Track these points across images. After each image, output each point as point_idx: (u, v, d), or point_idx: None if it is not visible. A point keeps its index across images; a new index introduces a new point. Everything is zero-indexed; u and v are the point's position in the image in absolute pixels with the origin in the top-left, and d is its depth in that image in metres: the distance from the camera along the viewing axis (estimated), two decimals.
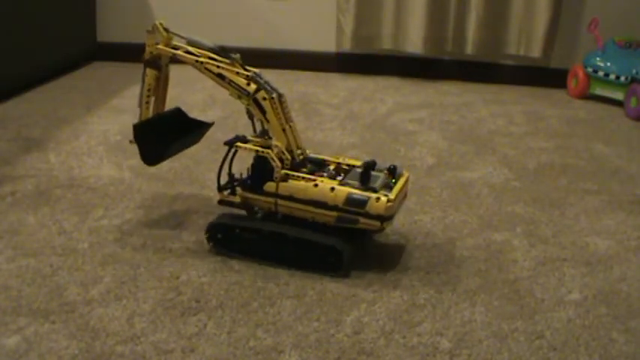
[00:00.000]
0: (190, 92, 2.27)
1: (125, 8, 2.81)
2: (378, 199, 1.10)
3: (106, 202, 1.39)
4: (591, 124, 2.21)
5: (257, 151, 1.16)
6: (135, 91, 2.35)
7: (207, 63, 1.17)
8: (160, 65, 1.24)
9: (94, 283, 1.08)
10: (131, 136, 1.24)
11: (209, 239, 1.20)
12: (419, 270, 1.17)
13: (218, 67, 1.17)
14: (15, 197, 1.40)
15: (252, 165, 1.18)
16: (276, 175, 1.14)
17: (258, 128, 1.20)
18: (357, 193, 1.11)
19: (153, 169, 1.56)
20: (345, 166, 1.21)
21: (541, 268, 1.20)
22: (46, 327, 0.96)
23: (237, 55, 1.19)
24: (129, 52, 2.82)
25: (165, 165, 1.62)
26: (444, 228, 1.34)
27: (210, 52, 1.19)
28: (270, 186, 1.15)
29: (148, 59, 1.23)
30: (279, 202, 1.15)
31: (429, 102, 2.38)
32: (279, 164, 1.14)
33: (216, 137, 1.84)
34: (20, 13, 2.16)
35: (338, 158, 1.23)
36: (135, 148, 1.24)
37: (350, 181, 1.13)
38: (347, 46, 2.73)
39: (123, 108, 2.09)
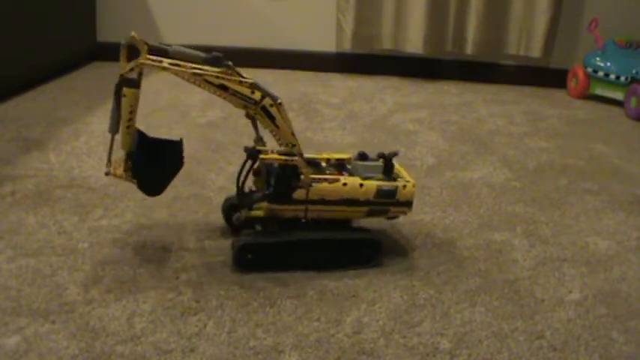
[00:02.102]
0: (188, 93, 2.26)
1: (125, 8, 2.81)
2: (404, 186, 1.16)
3: (106, 202, 1.39)
4: (591, 124, 2.21)
5: (286, 160, 1.12)
6: None
7: (206, 74, 1.07)
8: (139, 82, 1.09)
9: (94, 283, 1.08)
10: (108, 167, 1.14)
11: (239, 262, 1.13)
12: (419, 270, 1.17)
13: (217, 77, 1.07)
14: (15, 197, 1.40)
15: (277, 175, 1.12)
16: (306, 181, 1.12)
17: (261, 133, 1.17)
18: (385, 184, 1.15)
19: None
20: (335, 161, 1.22)
21: (541, 268, 1.20)
22: (46, 327, 0.96)
23: (229, 62, 1.10)
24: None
25: None
26: (444, 228, 1.34)
27: (201, 62, 1.08)
28: (300, 193, 1.12)
29: (128, 78, 1.08)
30: (310, 207, 1.14)
31: (429, 102, 2.38)
32: (309, 170, 1.13)
33: (217, 138, 1.84)
34: (20, 13, 2.16)
35: (322, 154, 1.23)
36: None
37: (372, 174, 1.17)
38: (347, 46, 2.73)
39: None
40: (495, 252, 1.25)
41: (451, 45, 2.70)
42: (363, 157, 1.23)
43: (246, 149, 1.14)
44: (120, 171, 1.12)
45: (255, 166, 1.16)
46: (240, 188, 1.14)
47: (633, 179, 1.69)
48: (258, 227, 1.15)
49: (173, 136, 1.72)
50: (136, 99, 1.09)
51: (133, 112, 1.09)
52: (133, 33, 1.06)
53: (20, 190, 1.43)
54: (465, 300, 1.08)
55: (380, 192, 1.15)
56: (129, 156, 1.11)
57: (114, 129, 1.11)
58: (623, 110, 2.35)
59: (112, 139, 1.12)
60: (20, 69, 2.21)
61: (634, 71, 2.31)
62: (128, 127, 1.10)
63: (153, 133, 1.86)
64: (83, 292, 1.05)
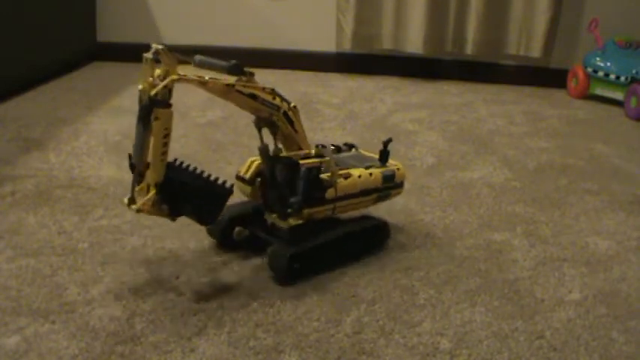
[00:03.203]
0: (188, 93, 2.26)
1: (125, 8, 2.81)
2: (398, 169, 1.25)
3: (106, 202, 1.39)
4: (591, 124, 2.21)
5: (320, 162, 1.12)
6: (134, 90, 2.35)
7: (238, 84, 1.02)
8: (170, 101, 0.97)
9: (94, 283, 1.08)
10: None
11: (290, 275, 1.09)
12: (419, 270, 1.17)
13: (245, 86, 1.03)
14: (15, 197, 1.40)
15: (310, 178, 1.10)
16: (335, 179, 1.13)
17: (267, 141, 1.14)
18: (386, 170, 1.22)
19: None
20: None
21: (541, 268, 1.20)
22: (46, 327, 0.96)
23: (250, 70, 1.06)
24: (129, 52, 2.83)
25: None
26: (444, 228, 1.34)
27: (225, 71, 1.01)
28: (330, 192, 1.13)
29: (159, 98, 0.95)
30: (337, 204, 1.15)
31: (429, 102, 2.38)
32: (336, 169, 1.15)
33: (217, 138, 1.84)
34: (20, 13, 2.16)
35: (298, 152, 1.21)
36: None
37: (369, 163, 1.23)
38: (347, 46, 2.74)
39: (123, 108, 2.09)
40: (495, 252, 1.25)
41: (451, 45, 2.70)
42: (337, 149, 1.28)
43: (283, 160, 1.10)
44: (148, 206, 0.99)
45: (246, 175, 1.13)
46: (283, 199, 1.09)
47: (633, 179, 1.68)
48: (264, 236, 1.14)
49: (172, 136, 1.69)
50: (171, 120, 0.98)
51: (167, 135, 0.98)
52: (159, 45, 0.96)
53: (20, 190, 1.43)
54: (465, 300, 1.08)
55: (385, 178, 1.22)
56: (158, 187, 0.99)
57: (140, 159, 0.98)
58: (623, 110, 2.35)
59: (137, 172, 0.99)
60: (20, 69, 2.21)
61: (634, 71, 2.31)
62: (163, 153, 0.97)
63: None
64: (83, 292, 1.05)
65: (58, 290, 1.05)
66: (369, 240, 1.22)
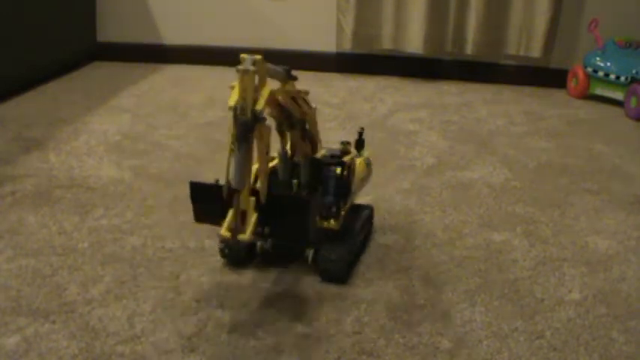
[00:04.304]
0: (189, 93, 2.26)
1: (125, 8, 2.80)
2: (368, 156, 1.30)
3: (106, 202, 1.39)
4: (591, 124, 2.21)
5: (353, 159, 1.17)
6: (134, 90, 2.35)
7: (301, 92, 1.03)
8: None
9: (94, 283, 1.08)
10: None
11: (344, 278, 1.11)
12: (419, 270, 1.17)
13: (299, 92, 1.02)
14: (15, 197, 1.40)
15: (342, 176, 1.11)
16: (356, 172, 1.19)
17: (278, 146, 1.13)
18: (366, 158, 1.28)
19: (153, 170, 1.56)
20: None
21: (541, 268, 1.20)
22: (46, 327, 0.96)
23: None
24: (129, 52, 2.83)
25: (165, 165, 1.62)
26: (444, 228, 1.34)
27: (282, 78, 0.99)
28: (354, 185, 1.18)
29: (260, 114, 0.86)
30: (353, 197, 1.20)
31: (429, 102, 2.38)
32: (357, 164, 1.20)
33: (216, 138, 1.84)
34: (20, 13, 2.16)
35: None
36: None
37: (352, 155, 1.25)
38: (347, 46, 2.73)
39: (123, 108, 2.09)
40: (495, 252, 1.25)
41: (451, 45, 2.70)
42: (361, 132, 1.32)
43: (333, 162, 1.11)
44: (249, 233, 0.90)
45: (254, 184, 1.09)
46: (337, 201, 1.09)
47: (633, 179, 1.68)
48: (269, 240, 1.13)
49: (173, 136, 1.71)
50: (270, 136, 0.91)
51: (269, 152, 0.92)
52: (258, 56, 0.86)
53: (20, 190, 1.43)
54: (465, 300, 1.08)
55: (367, 164, 1.29)
56: (257, 209, 0.91)
57: (243, 182, 0.87)
58: (623, 110, 2.34)
59: (239, 197, 0.89)
60: (20, 69, 2.21)
61: (634, 71, 2.31)
62: (267, 173, 0.92)
63: (154, 132, 1.86)
64: (83, 292, 1.05)
65: (58, 290, 1.05)
66: (369, 228, 1.28)
